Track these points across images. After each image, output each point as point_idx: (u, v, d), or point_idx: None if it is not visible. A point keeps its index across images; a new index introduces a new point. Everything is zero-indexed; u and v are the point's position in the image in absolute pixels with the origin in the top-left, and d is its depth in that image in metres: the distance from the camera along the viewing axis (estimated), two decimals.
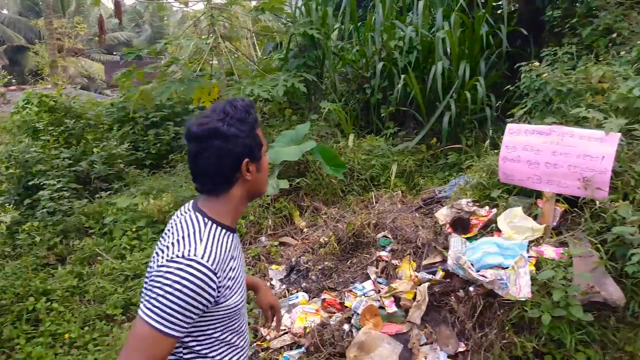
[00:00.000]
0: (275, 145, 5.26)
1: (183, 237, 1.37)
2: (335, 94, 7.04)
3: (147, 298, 1.30)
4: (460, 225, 3.75)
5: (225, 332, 1.47)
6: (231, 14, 7.78)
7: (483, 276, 3.01)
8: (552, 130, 3.34)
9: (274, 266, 4.25)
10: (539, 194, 3.49)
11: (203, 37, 7.50)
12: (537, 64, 4.43)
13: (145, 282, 1.40)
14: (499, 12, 7.41)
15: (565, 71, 4.40)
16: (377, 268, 3.70)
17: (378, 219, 4.22)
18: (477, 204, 3.75)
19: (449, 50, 6.17)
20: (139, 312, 1.29)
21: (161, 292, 1.26)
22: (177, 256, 1.31)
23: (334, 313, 3.50)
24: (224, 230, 1.45)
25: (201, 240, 1.37)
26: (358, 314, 3.30)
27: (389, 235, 3.99)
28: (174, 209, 4.88)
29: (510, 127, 3.58)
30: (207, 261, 1.32)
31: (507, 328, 2.92)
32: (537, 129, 3.42)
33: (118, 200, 5.52)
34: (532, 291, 2.86)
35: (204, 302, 1.32)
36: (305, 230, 4.95)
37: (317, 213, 5.21)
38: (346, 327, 3.29)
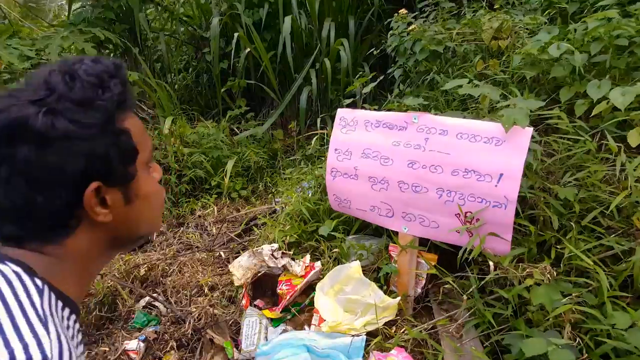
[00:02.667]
0: None
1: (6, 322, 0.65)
2: (165, 61, 5.15)
3: None
4: (269, 287, 2.14)
5: None
6: None
7: None
8: (409, 120, 1.76)
9: None
10: (395, 233, 1.94)
11: None
12: (404, 11, 2.86)
13: None
14: None
15: (448, 25, 2.90)
16: None
17: (150, 269, 2.49)
18: (293, 249, 2.13)
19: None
20: None
21: None
22: None
23: None
24: (66, 308, 0.73)
25: (42, 322, 0.65)
26: None
27: (159, 305, 2.27)
28: None
29: (341, 114, 1.98)
30: None
31: None
32: (384, 119, 1.84)
33: None
34: None
35: None
36: None
37: None
38: None
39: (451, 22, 2.96)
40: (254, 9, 4.97)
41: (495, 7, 3.09)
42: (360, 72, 4.43)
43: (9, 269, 0.69)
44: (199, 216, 3.54)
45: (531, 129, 1.54)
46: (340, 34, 4.66)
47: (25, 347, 0.62)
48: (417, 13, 3.31)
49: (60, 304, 0.73)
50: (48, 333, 0.65)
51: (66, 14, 5.72)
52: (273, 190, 3.85)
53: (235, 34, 4.37)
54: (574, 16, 2.59)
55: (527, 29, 2.54)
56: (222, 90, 4.79)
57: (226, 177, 4.05)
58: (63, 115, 0.69)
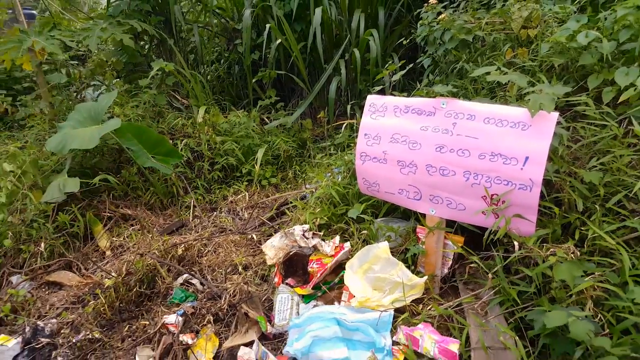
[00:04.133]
0: (65, 126, 3.49)
1: None
2: (199, 52, 5.30)
3: None
4: (300, 266, 2.24)
5: None
6: None
7: None
8: (437, 106, 1.83)
9: (1, 337, 2.55)
10: (422, 215, 2.02)
11: None
12: (434, 0, 2.91)
13: None
14: None
15: (478, 15, 2.93)
16: (155, 349, 2.12)
17: (187, 249, 2.63)
18: (323, 231, 2.23)
19: None
20: None
21: None
22: None
23: None
24: None
25: None
26: None
27: (196, 282, 2.41)
28: None
29: (371, 100, 2.05)
30: None
31: None
32: (413, 105, 1.91)
33: None
34: None
35: None
36: (108, 254, 3.28)
37: (137, 224, 3.53)
38: None
39: (481, 12, 2.99)
40: (285, 0, 5.05)
41: None
42: (390, 62, 4.49)
43: None
44: (231, 202, 3.68)
45: (556, 113, 1.59)
46: (370, 24, 4.71)
47: None
48: (447, 3, 3.35)
49: None
50: None
51: (100, 7, 5.94)
52: (303, 176, 3.94)
53: (267, 25, 4.47)
54: (605, 5, 2.60)
55: (556, 18, 2.56)
56: (253, 80, 4.91)
57: (257, 165, 4.18)
58: None
